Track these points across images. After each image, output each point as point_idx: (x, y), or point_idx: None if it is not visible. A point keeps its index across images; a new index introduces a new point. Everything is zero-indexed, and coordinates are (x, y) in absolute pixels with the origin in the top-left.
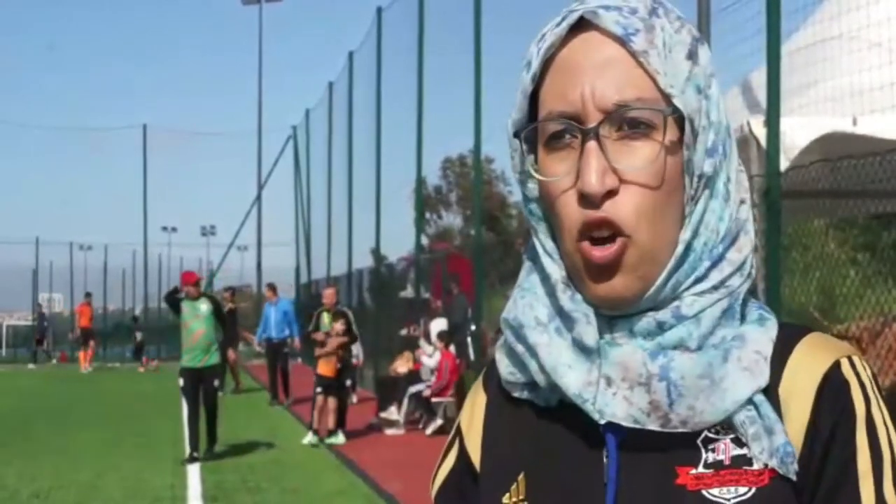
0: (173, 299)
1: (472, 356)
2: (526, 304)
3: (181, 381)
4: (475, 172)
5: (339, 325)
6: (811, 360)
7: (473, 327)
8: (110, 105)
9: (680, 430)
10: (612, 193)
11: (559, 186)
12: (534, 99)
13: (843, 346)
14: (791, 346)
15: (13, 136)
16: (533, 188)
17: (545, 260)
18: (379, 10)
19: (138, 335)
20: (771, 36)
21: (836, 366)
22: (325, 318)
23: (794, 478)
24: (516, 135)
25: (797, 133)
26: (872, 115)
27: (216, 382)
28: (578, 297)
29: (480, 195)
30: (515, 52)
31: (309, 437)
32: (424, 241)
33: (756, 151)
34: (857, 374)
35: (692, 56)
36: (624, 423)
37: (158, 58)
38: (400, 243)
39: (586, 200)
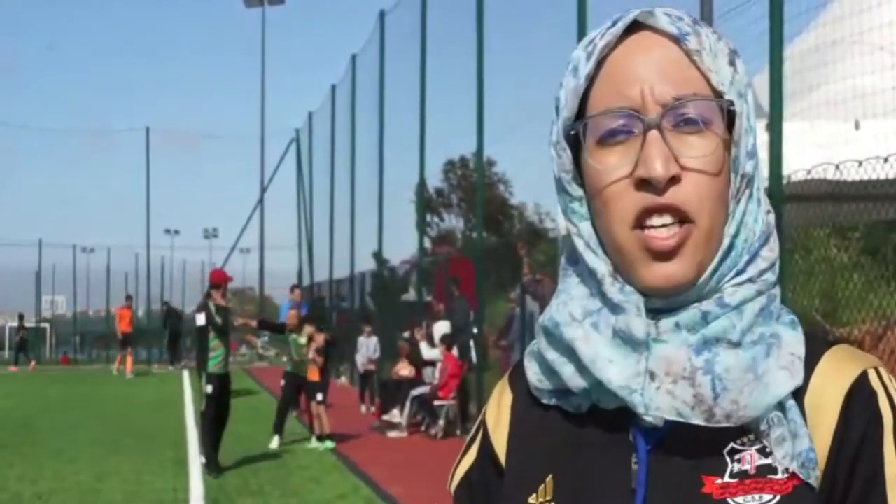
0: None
1: (474, 359)
2: (560, 303)
3: (209, 388)
4: (478, 175)
5: (319, 338)
6: (838, 370)
7: (476, 330)
8: (113, 108)
9: (723, 424)
10: (675, 180)
11: (613, 177)
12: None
13: (869, 357)
14: (818, 355)
15: (16, 138)
16: (576, 187)
17: (589, 257)
18: (381, 13)
19: (20, 336)
20: (773, 40)
21: (864, 376)
22: (293, 338)
23: (815, 484)
24: (569, 132)
25: (800, 137)
26: (875, 119)
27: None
28: (628, 288)
29: (483, 198)
30: (518, 54)
31: (315, 443)
32: (427, 243)
33: (758, 155)
34: (885, 385)
35: (733, 63)
36: (668, 417)
37: (161, 60)
38: (402, 246)
39: (649, 186)
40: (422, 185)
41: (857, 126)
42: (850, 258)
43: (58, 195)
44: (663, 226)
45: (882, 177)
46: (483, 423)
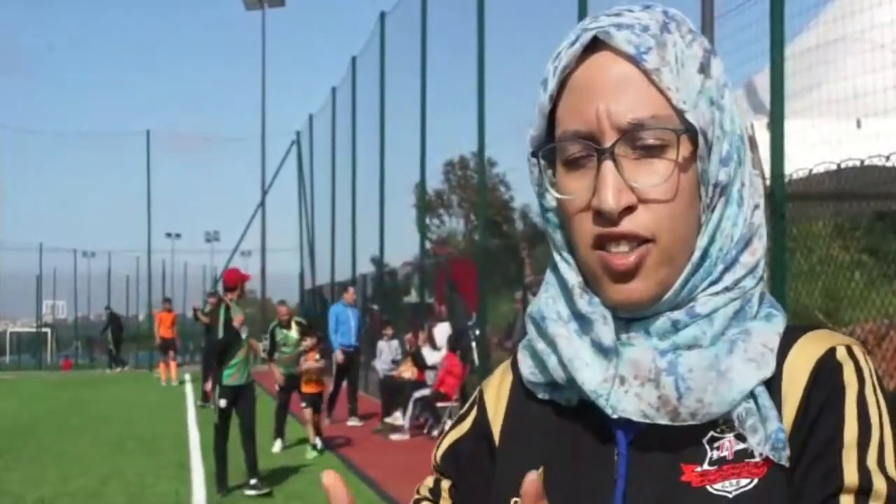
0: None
1: (476, 361)
2: (549, 297)
3: (223, 403)
4: (479, 177)
5: (308, 341)
6: (811, 347)
7: (478, 332)
8: (113, 111)
9: (689, 422)
10: (630, 210)
11: (575, 204)
12: (551, 115)
13: (846, 338)
14: (796, 338)
15: (16, 141)
16: (550, 199)
17: (562, 266)
18: (382, 15)
19: None
20: (774, 38)
21: (832, 351)
22: (281, 333)
23: (786, 464)
24: (535, 153)
25: (801, 135)
26: (876, 117)
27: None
28: (596, 300)
29: (485, 199)
30: (519, 56)
31: (310, 451)
32: (427, 245)
33: (760, 154)
34: (855, 360)
35: (704, 69)
36: (634, 418)
37: (161, 63)
38: (404, 248)
39: (603, 218)
40: (422, 186)
41: (858, 125)
42: (851, 257)
43: (58, 199)
44: (620, 252)
45: (883, 175)
46: (481, 399)
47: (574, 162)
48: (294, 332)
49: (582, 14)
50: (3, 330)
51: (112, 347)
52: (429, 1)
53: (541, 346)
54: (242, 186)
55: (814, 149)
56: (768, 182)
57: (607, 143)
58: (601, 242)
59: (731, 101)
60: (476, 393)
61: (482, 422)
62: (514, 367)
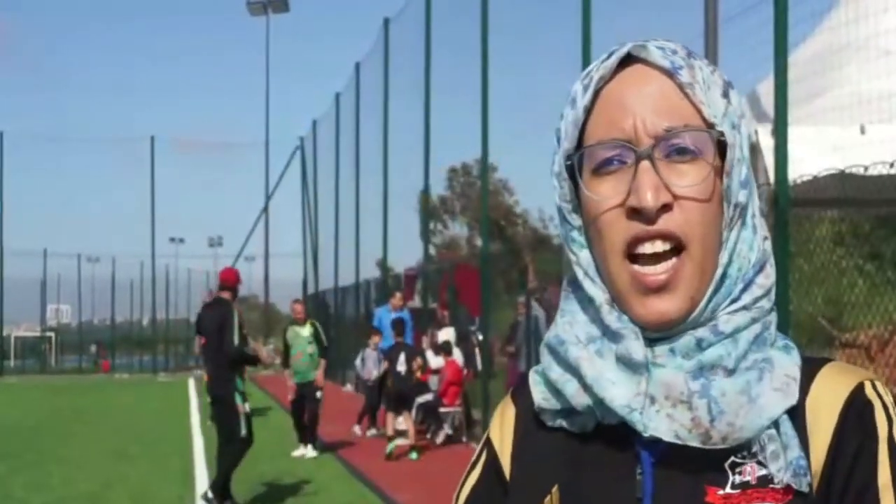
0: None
1: (479, 366)
2: (566, 322)
3: (248, 407)
4: (482, 183)
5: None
6: (836, 380)
7: (481, 337)
8: (118, 116)
9: (719, 446)
10: (666, 209)
11: (606, 206)
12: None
13: (865, 371)
14: (816, 370)
15: (20, 147)
16: (576, 217)
17: (587, 284)
18: (386, 21)
19: None
20: (778, 45)
21: (860, 387)
22: (291, 330)
23: (805, 490)
24: (568, 161)
25: (805, 141)
26: (881, 124)
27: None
28: (625, 317)
29: (487, 206)
30: (521, 62)
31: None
32: (431, 250)
33: (764, 161)
34: (880, 396)
35: (726, 95)
36: (666, 438)
37: (166, 69)
38: (407, 253)
39: (640, 216)
40: (426, 192)
41: (862, 131)
42: (855, 263)
43: (62, 204)
44: (654, 254)
45: (887, 181)
46: (488, 441)
47: (604, 170)
48: (305, 331)
49: (585, 19)
50: (7, 334)
51: None
52: (432, 7)
53: (556, 374)
54: (246, 192)
55: (818, 155)
56: (772, 188)
57: (644, 147)
58: (634, 247)
59: (746, 131)
60: (485, 435)
61: (492, 461)
62: (515, 398)
